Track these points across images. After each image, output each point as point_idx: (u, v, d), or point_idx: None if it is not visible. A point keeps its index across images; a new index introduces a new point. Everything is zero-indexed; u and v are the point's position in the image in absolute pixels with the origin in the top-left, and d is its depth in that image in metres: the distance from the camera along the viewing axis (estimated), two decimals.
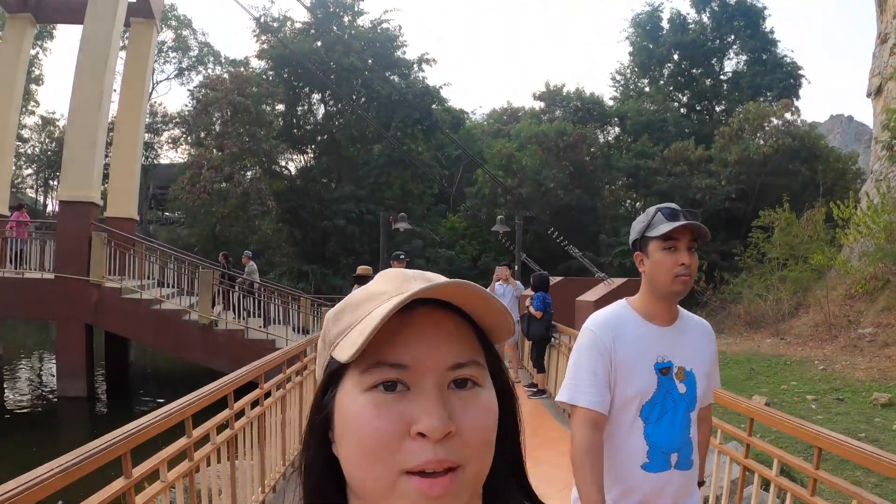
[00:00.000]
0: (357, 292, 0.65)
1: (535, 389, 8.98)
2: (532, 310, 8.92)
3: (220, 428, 3.59)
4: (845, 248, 14.87)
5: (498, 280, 10.11)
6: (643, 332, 1.98)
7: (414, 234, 26.78)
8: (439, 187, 31.38)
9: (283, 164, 31.74)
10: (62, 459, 2.02)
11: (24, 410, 12.64)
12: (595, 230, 27.30)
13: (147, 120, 37.11)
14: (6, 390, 14.58)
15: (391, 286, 0.63)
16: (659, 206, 1.99)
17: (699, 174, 27.30)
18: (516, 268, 14.33)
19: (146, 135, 37.12)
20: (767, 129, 26.95)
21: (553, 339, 8.92)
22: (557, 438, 6.34)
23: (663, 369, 1.94)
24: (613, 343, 1.95)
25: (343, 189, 28.60)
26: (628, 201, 30.15)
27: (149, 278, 13.61)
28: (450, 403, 0.58)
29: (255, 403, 4.25)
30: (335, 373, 0.61)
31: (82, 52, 12.57)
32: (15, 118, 16.14)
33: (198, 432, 3.18)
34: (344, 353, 0.58)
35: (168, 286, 13.44)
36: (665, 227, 1.88)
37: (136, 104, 15.46)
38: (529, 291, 9.91)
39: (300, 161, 32.47)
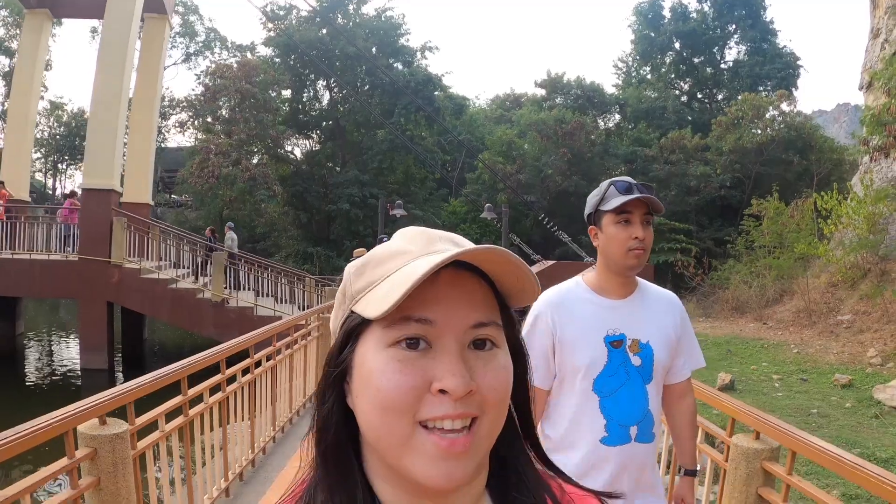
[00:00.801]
0: (380, 248, 0.66)
1: None
2: None
3: (213, 391, 3.93)
4: (835, 236, 15.32)
5: None
6: (593, 306, 1.98)
7: (416, 217, 27.59)
8: (440, 173, 32.28)
9: (290, 149, 32.63)
10: (80, 403, 2.45)
11: (51, 381, 13.77)
12: None
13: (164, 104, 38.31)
14: (33, 363, 15.76)
15: (416, 245, 0.64)
16: (613, 179, 1.99)
17: (695, 162, 28.02)
18: None
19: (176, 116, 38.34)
20: (763, 119, 27.55)
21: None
22: None
23: (614, 342, 1.93)
24: (556, 319, 1.97)
25: (347, 174, 29.42)
26: None
27: (163, 259, 14.62)
28: (470, 363, 0.59)
29: (245, 371, 4.63)
30: (356, 327, 0.62)
31: (103, 48, 13.51)
32: (34, 109, 17.13)
33: (192, 391, 3.52)
34: (372, 308, 0.59)
35: (183, 267, 14.48)
36: (618, 200, 1.88)
37: (150, 95, 16.41)
38: None
39: (305, 146, 33.44)
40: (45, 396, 12.57)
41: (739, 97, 30.00)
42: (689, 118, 34.12)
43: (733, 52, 37.38)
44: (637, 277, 2.04)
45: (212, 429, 3.98)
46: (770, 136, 26.71)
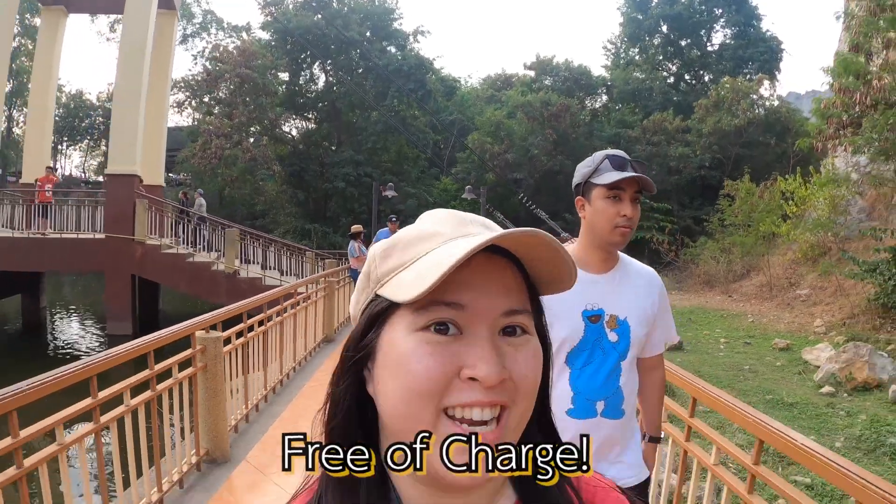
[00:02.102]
0: (408, 230, 0.65)
1: None
2: None
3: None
4: (806, 216, 16.11)
5: None
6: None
7: (409, 195, 29.43)
8: (432, 152, 33.91)
9: (287, 129, 34.21)
10: (198, 319, 4.26)
11: (82, 348, 15.52)
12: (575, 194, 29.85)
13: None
14: (59, 334, 17.56)
15: (447, 228, 0.63)
16: (607, 151, 1.94)
17: (676, 143, 29.64)
18: None
19: None
20: (742, 103, 28.87)
21: None
22: None
23: (592, 317, 1.91)
24: None
25: (343, 153, 31.03)
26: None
27: (178, 236, 16.32)
28: (501, 350, 0.58)
29: (260, 324, 5.75)
30: (383, 311, 0.61)
31: (123, 45, 15.07)
32: (52, 99, 18.71)
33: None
34: (401, 291, 0.58)
35: (198, 244, 16.18)
36: (612, 175, 1.85)
37: (161, 86, 17.99)
38: None
39: (302, 127, 34.96)
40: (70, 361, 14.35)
41: (721, 81, 31.32)
42: (676, 99, 35.58)
43: (719, 36, 38.71)
44: (618, 252, 2.03)
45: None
46: (749, 119, 28.15)
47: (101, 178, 45.10)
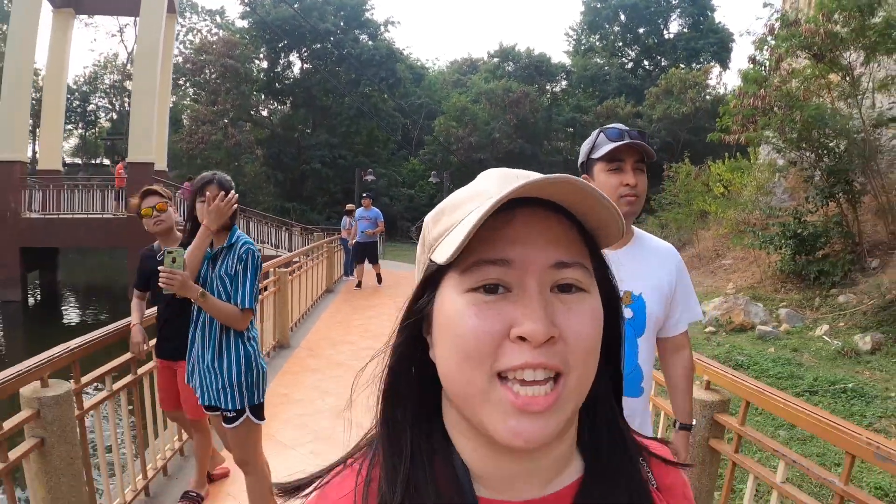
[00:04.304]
0: (457, 193, 0.65)
1: None
2: None
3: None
4: (744, 195, 17.26)
5: None
6: None
7: (380, 175, 32.34)
8: (401, 134, 36.98)
9: (266, 114, 36.97)
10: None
11: (93, 318, 18.30)
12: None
13: (129, 69, 42.08)
14: (91, 302, 20.22)
15: (493, 185, 0.62)
16: (604, 126, 1.97)
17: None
18: None
19: (130, 83, 42.04)
20: (689, 92, 31.65)
21: None
22: None
23: None
24: None
25: (318, 137, 33.89)
26: (565, 150, 36.17)
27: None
28: (552, 307, 0.57)
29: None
30: (433, 276, 0.62)
31: (139, 46, 17.87)
32: (63, 96, 21.31)
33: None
34: (443, 254, 0.58)
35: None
36: (608, 146, 1.88)
37: (164, 81, 20.74)
38: None
39: (280, 111, 37.64)
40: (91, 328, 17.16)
41: (669, 70, 34.43)
42: (634, 83, 38.68)
43: (675, 25, 41.75)
44: (634, 227, 2.03)
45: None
46: (696, 106, 30.96)
47: (77, 161, 47.22)
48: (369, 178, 21.12)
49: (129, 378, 3.57)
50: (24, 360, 2.58)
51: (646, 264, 1.98)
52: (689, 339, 2.14)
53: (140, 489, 3.67)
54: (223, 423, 2.96)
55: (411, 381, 0.64)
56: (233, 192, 2.97)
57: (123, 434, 3.67)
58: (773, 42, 11.97)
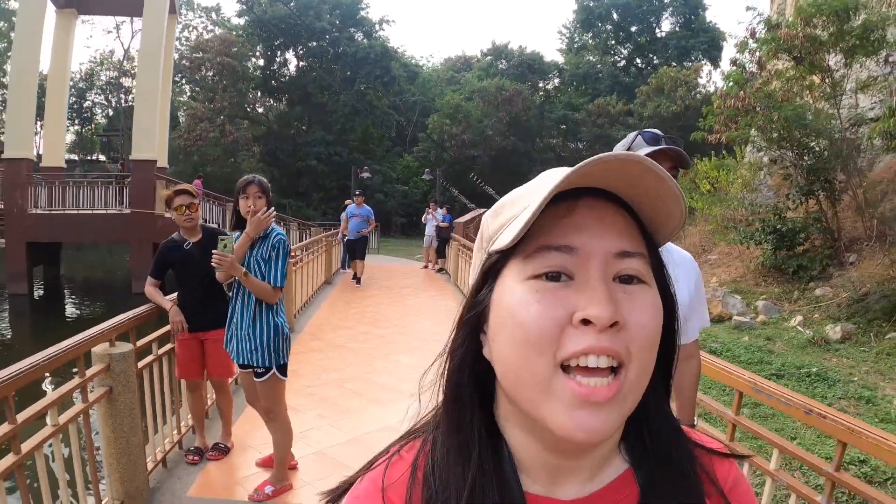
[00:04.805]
0: (517, 189, 0.66)
1: (443, 269, 16.16)
2: (442, 224, 15.98)
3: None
4: (731, 191, 17.61)
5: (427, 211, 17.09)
6: None
7: (375, 171, 33.09)
8: (395, 131, 37.72)
9: (262, 111, 37.64)
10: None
11: (112, 303, 19.01)
12: (527, 171, 33.80)
13: (126, 66, 42.53)
14: (95, 295, 20.91)
15: (552, 178, 0.60)
16: (641, 129, 1.98)
17: (618, 126, 33.77)
18: (434, 203, 20.60)
19: (126, 80, 42.50)
20: (680, 90, 32.36)
21: (450, 239, 15.66)
22: (449, 294, 13.19)
23: None
24: None
25: (314, 134, 34.64)
26: (557, 147, 36.97)
27: None
28: (615, 295, 0.56)
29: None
30: (493, 266, 0.62)
31: (142, 48, 18.45)
32: (66, 95, 21.87)
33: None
34: (506, 239, 0.59)
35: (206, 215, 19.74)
36: (644, 150, 1.85)
37: (165, 80, 21.31)
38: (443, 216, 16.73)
39: (277, 109, 38.32)
40: (113, 313, 17.87)
41: (661, 69, 35.16)
42: (627, 80, 39.48)
43: (667, 24, 42.44)
44: None
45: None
46: (686, 104, 31.60)
47: (73, 157, 47.67)
48: (365, 175, 21.86)
49: (168, 346, 4.26)
50: (31, 349, 3.11)
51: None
52: (699, 346, 2.19)
53: (175, 442, 4.39)
54: (254, 378, 3.69)
55: (473, 380, 0.64)
56: (272, 209, 3.72)
57: (164, 394, 4.32)
58: (754, 45, 12.32)
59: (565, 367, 0.55)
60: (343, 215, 14.54)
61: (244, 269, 3.59)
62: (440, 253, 16.46)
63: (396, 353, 7.50)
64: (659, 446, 0.65)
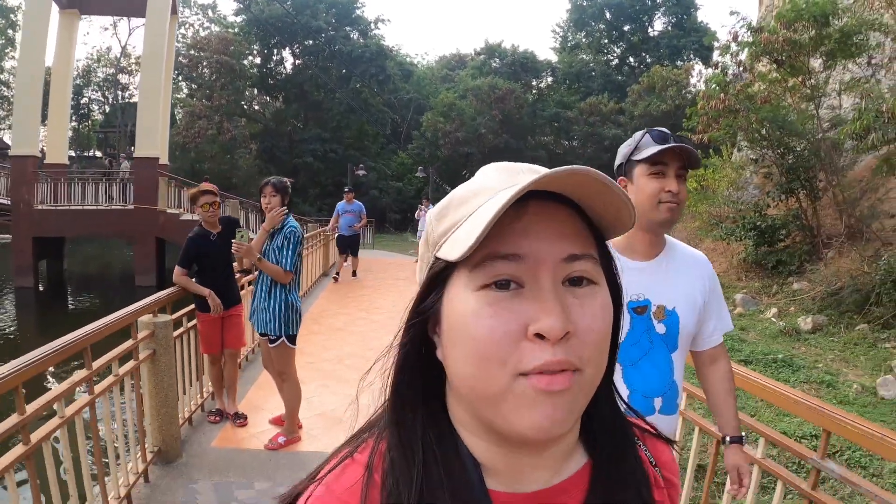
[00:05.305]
0: (461, 188, 0.65)
1: None
2: None
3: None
4: (719, 189, 17.79)
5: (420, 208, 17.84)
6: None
7: (370, 168, 33.88)
8: (390, 129, 38.43)
9: (259, 108, 38.33)
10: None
11: (116, 295, 19.64)
12: None
13: (122, 63, 43.11)
14: (99, 288, 21.48)
15: (499, 180, 0.62)
16: (648, 128, 1.92)
17: (609, 124, 34.66)
18: (427, 200, 21.15)
19: (123, 76, 43.07)
20: (670, 90, 32.91)
21: None
22: None
23: (638, 308, 1.87)
24: None
25: (310, 131, 35.35)
26: (549, 145, 37.73)
27: (182, 207, 20.44)
28: (566, 301, 0.57)
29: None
30: (441, 273, 0.62)
31: (146, 48, 19.11)
32: (69, 94, 22.51)
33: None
34: (454, 250, 0.58)
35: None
36: (652, 149, 1.82)
37: (166, 79, 21.86)
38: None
39: (273, 106, 39.00)
40: (119, 303, 18.48)
41: (652, 69, 35.68)
42: (619, 80, 40.25)
43: (660, 23, 43.24)
44: (666, 235, 1.97)
45: None
46: (677, 104, 31.92)
47: (71, 153, 48.12)
48: (361, 172, 22.57)
49: (194, 321, 5.02)
50: (37, 339, 3.80)
51: (679, 276, 1.93)
52: (726, 349, 2.11)
53: (199, 405, 5.16)
54: (269, 344, 4.46)
55: (419, 380, 0.64)
56: (283, 207, 4.46)
57: (191, 363, 5.08)
58: (735, 48, 12.72)
59: (523, 373, 0.56)
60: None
61: (258, 255, 4.38)
62: None
63: (390, 335, 7.83)
64: (606, 437, 0.68)
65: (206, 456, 4.42)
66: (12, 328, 14.88)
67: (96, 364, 3.26)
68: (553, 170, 0.55)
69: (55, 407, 2.87)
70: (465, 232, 0.58)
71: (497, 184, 0.62)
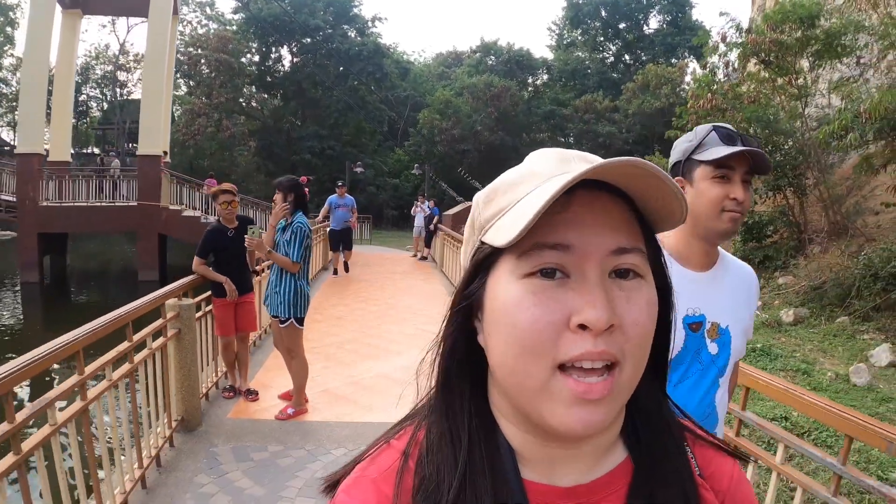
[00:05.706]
0: (510, 172, 0.64)
1: (426, 257, 17.59)
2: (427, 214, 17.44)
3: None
4: None
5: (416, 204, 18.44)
6: (673, 276, 1.96)
7: (367, 165, 34.32)
8: (387, 126, 38.96)
9: (257, 106, 38.82)
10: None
11: (120, 290, 20.19)
12: (514, 165, 35.10)
13: (120, 60, 43.52)
14: (102, 283, 21.97)
15: (549, 166, 0.62)
16: (715, 124, 1.70)
17: (604, 122, 35.18)
18: (423, 196, 21.73)
19: (122, 74, 43.49)
20: (664, 88, 33.25)
21: (438, 230, 16.97)
22: (434, 279, 14.49)
23: (693, 324, 1.68)
24: None
25: (308, 128, 35.89)
26: (544, 142, 38.18)
27: (183, 203, 20.92)
28: (611, 294, 0.56)
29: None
30: (486, 259, 0.61)
31: (148, 48, 19.58)
32: (71, 93, 22.94)
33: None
34: (501, 236, 0.57)
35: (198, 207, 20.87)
36: (720, 150, 1.62)
37: (168, 78, 22.40)
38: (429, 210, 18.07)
39: (271, 104, 39.54)
40: (122, 298, 18.96)
41: (646, 67, 36.03)
42: (614, 78, 40.71)
43: (655, 21, 43.54)
44: (719, 248, 1.78)
45: None
46: (671, 101, 31.65)
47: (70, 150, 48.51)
48: (358, 169, 23.09)
49: (210, 307, 5.55)
50: (43, 334, 4.22)
51: (732, 291, 1.76)
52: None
53: (213, 382, 5.70)
54: (279, 325, 5.02)
55: (466, 367, 0.64)
56: (284, 204, 4.98)
57: (208, 344, 5.63)
58: (724, 48, 13.03)
59: (562, 366, 0.55)
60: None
61: (269, 248, 4.97)
62: (428, 243, 17.80)
63: (386, 323, 8.86)
64: (650, 435, 0.66)
65: (223, 425, 4.97)
66: (20, 321, 15.40)
67: (136, 337, 3.81)
68: (607, 160, 0.55)
69: (104, 372, 3.40)
70: (511, 219, 0.58)
71: (546, 170, 0.61)
